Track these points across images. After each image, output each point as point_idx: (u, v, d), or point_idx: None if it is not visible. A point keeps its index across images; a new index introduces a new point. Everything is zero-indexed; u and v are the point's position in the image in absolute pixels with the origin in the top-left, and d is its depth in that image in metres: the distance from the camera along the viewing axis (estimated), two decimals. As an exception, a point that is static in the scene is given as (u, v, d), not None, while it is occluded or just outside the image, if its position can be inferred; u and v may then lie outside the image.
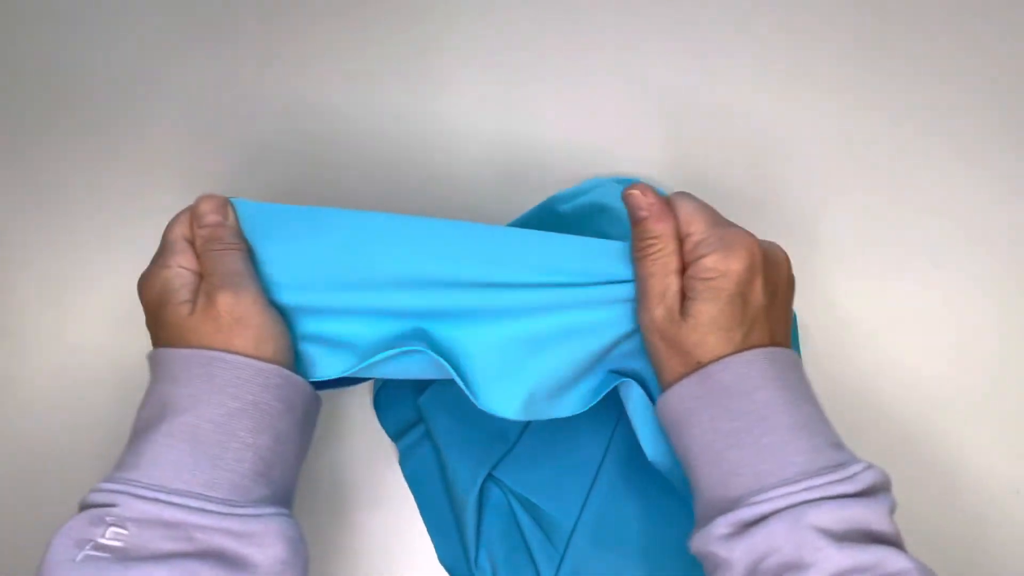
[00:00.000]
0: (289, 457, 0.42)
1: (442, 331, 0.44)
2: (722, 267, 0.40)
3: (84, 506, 0.39)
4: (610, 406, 0.48)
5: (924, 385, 0.56)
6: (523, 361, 0.44)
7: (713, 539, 0.38)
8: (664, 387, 0.42)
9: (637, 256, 0.43)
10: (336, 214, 0.44)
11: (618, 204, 0.47)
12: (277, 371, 0.41)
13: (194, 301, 0.41)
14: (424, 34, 0.61)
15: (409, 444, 0.57)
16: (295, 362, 0.44)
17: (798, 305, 0.47)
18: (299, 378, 0.42)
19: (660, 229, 0.42)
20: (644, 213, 0.42)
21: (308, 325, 0.44)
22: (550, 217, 0.55)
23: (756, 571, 0.37)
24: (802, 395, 0.40)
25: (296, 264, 0.43)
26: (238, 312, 0.41)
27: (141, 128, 0.61)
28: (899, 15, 0.60)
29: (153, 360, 0.42)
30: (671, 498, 0.52)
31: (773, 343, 0.41)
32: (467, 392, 0.44)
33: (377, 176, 0.60)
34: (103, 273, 0.59)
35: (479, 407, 0.44)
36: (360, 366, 0.44)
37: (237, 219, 0.44)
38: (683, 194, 0.44)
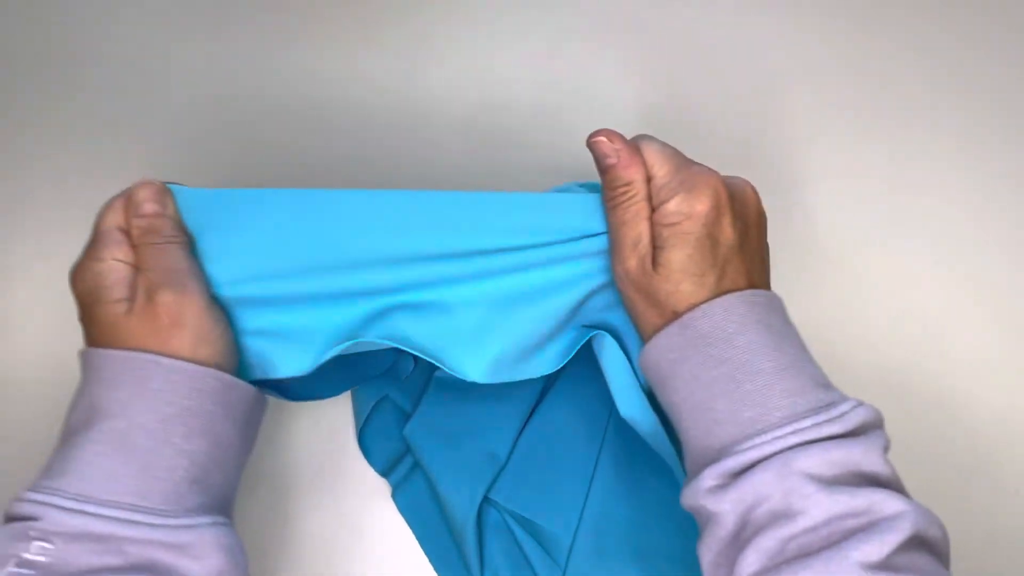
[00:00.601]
0: (228, 462, 0.40)
1: (404, 305, 0.43)
2: (686, 209, 0.39)
3: (8, 518, 0.37)
4: (598, 409, 0.47)
5: (922, 384, 0.56)
6: (491, 322, 0.42)
7: (701, 492, 0.37)
8: (644, 340, 0.41)
9: (609, 206, 0.41)
10: (281, 194, 0.41)
11: None
12: (214, 375, 0.39)
13: (131, 299, 0.39)
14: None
15: (400, 477, 0.57)
16: (240, 361, 0.42)
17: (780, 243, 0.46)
18: (239, 380, 0.40)
19: (630, 175, 0.40)
20: (612, 160, 0.41)
21: (256, 319, 0.42)
22: None
23: (746, 522, 0.36)
24: (784, 336, 0.39)
25: (242, 253, 0.41)
26: (177, 312, 0.39)
27: (144, 126, 0.61)
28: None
29: (85, 360, 0.40)
30: (667, 497, 0.51)
31: (750, 284, 0.40)
32: (432, 360, 0.42)
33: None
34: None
35: (448, 372, 0.42)
36: (315, 364, 0.42)
37: (176, 208, 0.41)
38: (645, 137, 0.42)
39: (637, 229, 0.40)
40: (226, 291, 0.42)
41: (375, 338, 0.42)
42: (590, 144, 0.42)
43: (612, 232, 0.41)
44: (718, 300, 0.38)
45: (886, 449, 0.37)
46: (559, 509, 0.52)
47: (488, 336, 0.42)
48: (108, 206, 0.41)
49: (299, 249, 0.41)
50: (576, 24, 0.61)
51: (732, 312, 0.38)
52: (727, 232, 0.40)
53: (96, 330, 0.40)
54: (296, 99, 0.61)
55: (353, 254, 0.41)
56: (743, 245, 0.40)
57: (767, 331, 0.38)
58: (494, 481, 0.53)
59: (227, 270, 0.41)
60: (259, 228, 0.41)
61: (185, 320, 0.39)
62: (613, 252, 0.41)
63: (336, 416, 0.57)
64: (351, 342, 0.42)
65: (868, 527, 0.34)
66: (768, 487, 0.35)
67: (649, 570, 0.51)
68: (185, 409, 0.38)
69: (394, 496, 0.56)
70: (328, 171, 0.59)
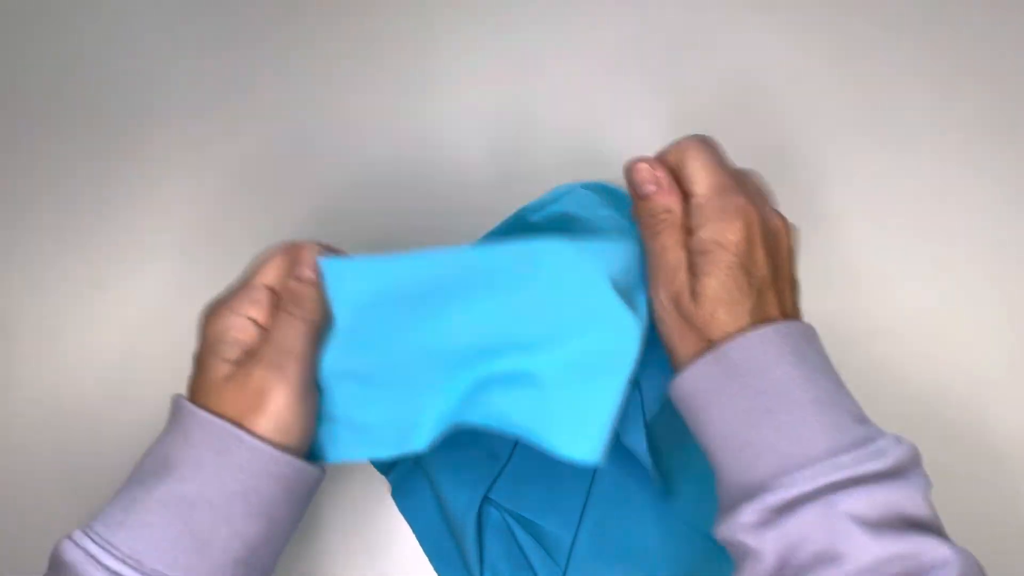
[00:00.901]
0: (277, 538, 0.40)
1: (498, 378, 0.41)
2: (719, 238, 0.39)
3: (56, 562, 0.37)
4: None
5: (922, 384, 0.56)
6: (588, 395, 0.40)
7: (740, 527, 0.36)
8: (677, 368, 0.40)
9: (647, 233, 0.41)
10: (414, 258, 0.40)
11: (586, 214, 0.47)
12: (288, 461, 0.39)
13: (239, 363, 0.40)
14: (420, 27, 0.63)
15: (400, 476, 0.57)
16: (322, 442, 0.43)
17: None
18: (309, 465, 0.41)
19: (670, 202, 0.41)
20: (652, 188, 0.41)
21: (349, 402, 0.43)
22: (521, 228, 0.53)
23: (788, 561, 0.35)
24: (820, 368, 0.38)
25: (365, 329, 0.41)
26: (265, 394, 0.39)
27: (146, 130, 0.62)
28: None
29: (175, 408, 0.40)
30: (666, 500, 0.51)
31: (784, 315, 0.40)
32: (538, 443, 0.40)
33: (377, 174, 0.61)
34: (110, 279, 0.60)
35: (560, 457, 0.40)
36: (405, 450, 0.42)
37: (322, 279, 0.41)
38: (691, 147, 0.41)
39: (677, 255, 0.40)
40: (332, 367, 0.42)
41: (475, 419, 0.41)
42: (628, 170, 0.42)
43: (652, 259, 0.41)
44: (754, 331, 0.38)
45: (928, 490, 0.37)
46: (560, 510, 0.52)
47: (591, 407, 0.40)
48: (268, 259, 0.42)
49: (411, 315, 0.41)
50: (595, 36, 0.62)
51: (768, 343, 0.38)
52: (759, 264, 0.39)
53: (199, 377, 0.41)
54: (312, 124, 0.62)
55: (454, 316, 0.41)
56: (776, 278, 0.40)
57: (803, 363, 0.38)
58: (494, 481, 0.53)
59: (341, 345, 0.42)
60: (387, 297, 0.41)
61: (269, 404, 0.39)
62: (653, 278, 0.41)
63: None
64: (447, 426, 0.42)
65: (915, 574, 0.34)
66: (812, 527, 0.35)
67: (648, 571, 0.51)
68: (251, 488, 0.38)
69: (394, 495, 0.56)
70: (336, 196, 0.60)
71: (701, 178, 0.40)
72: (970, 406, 0.56)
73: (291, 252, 0.42)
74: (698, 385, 0.39)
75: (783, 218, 0.42)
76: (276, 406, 0.39)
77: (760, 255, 0.39)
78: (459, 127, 0.61)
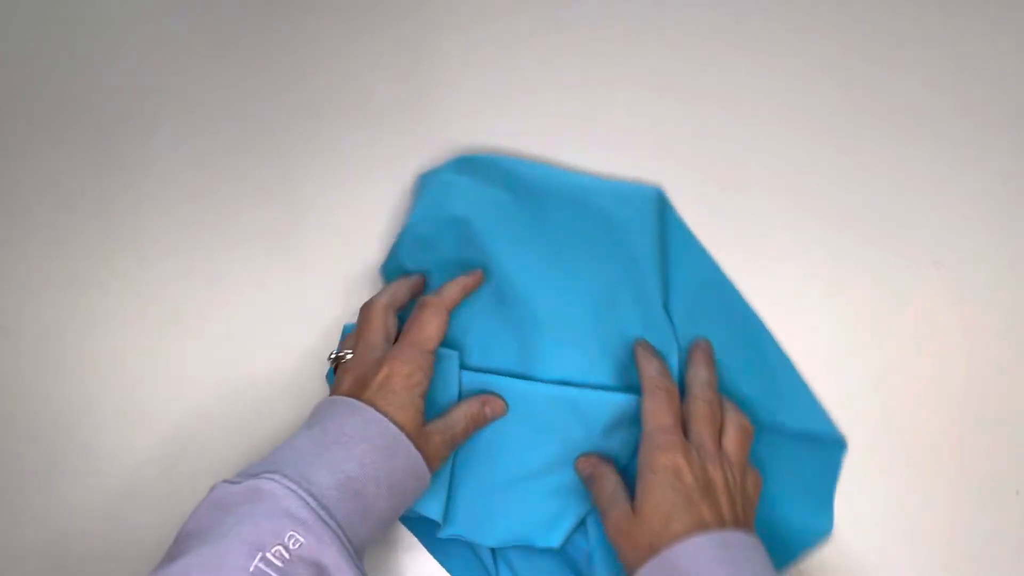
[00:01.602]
0: (388, 527, 0.50)
1: None
2: (651, 463, 0.48)
3: (254, 493, 0.43)
4: None
5: (921, 383, 0.56)
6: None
7: None
8: (627, 565, 0.47)
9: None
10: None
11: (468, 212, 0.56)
12: (426, 473, 0.50)
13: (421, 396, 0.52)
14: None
15: None
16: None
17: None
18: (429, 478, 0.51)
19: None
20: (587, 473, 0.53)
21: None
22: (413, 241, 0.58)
23: None
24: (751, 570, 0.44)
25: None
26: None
27: (147, 131, 0.61)
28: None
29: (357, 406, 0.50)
30: None
31: (727, 523, 0.46)
32: None
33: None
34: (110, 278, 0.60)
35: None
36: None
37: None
38: (660, 380, 0.52)
39: (611, 485, 0.50)
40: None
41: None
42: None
43: (594, 497, 0.51)
44: (690, 540, 0.44)
45: None
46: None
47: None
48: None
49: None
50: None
51: (703, 553, 0.44)
52: (687, 479, 0.47)
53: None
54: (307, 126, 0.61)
55: None
56: (707, 490, 0.47)
57: (735, 570, 0.44)
58: None
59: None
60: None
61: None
62: (600, 511, 0.50)
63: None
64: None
65: None
66: None
67: None
68: (398, 482, 0.48)
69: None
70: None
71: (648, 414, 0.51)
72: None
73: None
74: None
75: (710, 443, 0.50)
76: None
77: (687, 475, 0.47)
78: (461, 128, 0.60)
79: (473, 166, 0.58)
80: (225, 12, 0.62)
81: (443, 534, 0.53)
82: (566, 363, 0.54)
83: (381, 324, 0.52)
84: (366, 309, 0.53)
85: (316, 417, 0.49)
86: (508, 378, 0.54)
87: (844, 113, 0.59)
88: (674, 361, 0.55)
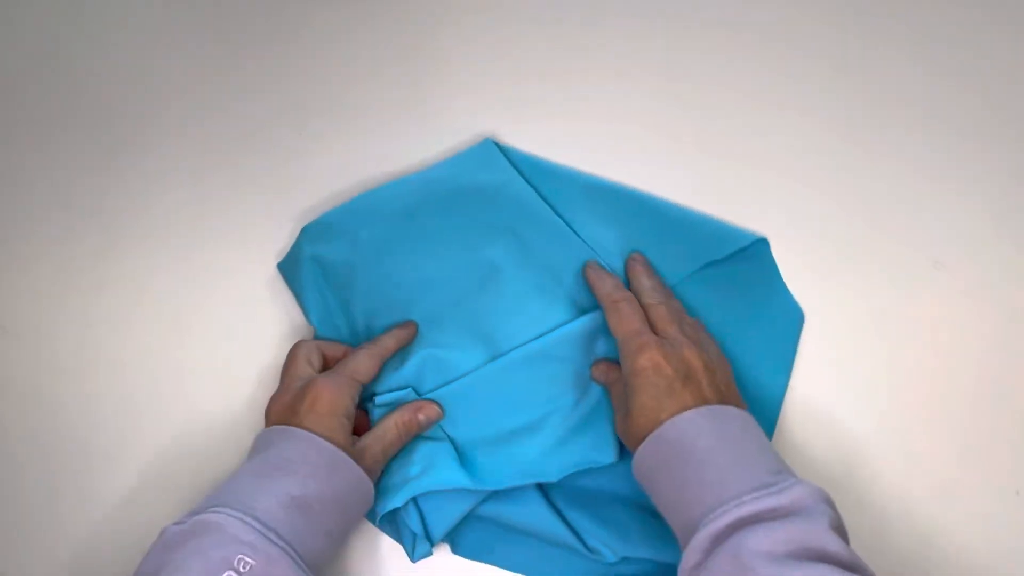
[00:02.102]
0: (343, 540, 0.52)
1: None
2: (631, 367, 0.51)
3: (201, 527, 0.45)
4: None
5: (922, 384, 0.56)
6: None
7: (686, 572, 0.44)
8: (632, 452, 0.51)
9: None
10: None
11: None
12: (370, 487, 0.52)
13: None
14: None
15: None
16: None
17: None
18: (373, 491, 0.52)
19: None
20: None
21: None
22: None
23: None
24: (741, 438, 0.48)
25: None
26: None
27: (147, 131, 0.61)
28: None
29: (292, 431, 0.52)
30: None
31: (707, 401, 0.49)
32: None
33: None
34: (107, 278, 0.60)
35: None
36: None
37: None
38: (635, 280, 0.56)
39: (620, 389, 0.53)
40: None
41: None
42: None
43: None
44: (677, 416, 0.48)
45: (837, 527, 0.43)
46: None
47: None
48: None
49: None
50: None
51: (692, 423, 0.48)
52: (667, 371, 0.50)
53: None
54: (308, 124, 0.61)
55: None
56: (688, 377, 0.50)
57: (723, 435, 0.47)
58: None
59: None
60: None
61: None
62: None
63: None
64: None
65: None
66: (728, 566, 0.42)
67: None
68: (343, 497, 0.50)
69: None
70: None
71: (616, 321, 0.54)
72: None
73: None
74: (645, 463, 0.49)
75: (691, 341, 0.52)
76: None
77: (665, 366, 0.50)
78: (462, 129, 0.60)
79: (334, 221, 0.58)
80: (225, 12, 0.62)
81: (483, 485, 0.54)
82: (524, 327, 0.56)
83: (305, 359, 0.55)
84: (293, 348, 0.56)
85: (255, 450, 0.51)
86: (478, 369, 0.56)
87: (844, 112, 0.59)
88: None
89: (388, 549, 0.56)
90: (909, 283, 0.57)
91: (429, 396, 0.56)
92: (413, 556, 0.54)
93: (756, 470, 0.45)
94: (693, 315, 0.56)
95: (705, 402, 0.49)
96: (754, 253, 0.57)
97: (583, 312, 0.56)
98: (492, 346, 0.57)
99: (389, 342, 0.56)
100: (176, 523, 0.46)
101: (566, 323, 0.56)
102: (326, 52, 0.61)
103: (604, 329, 0.55)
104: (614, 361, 0.55)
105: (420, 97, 0.61)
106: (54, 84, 0.62)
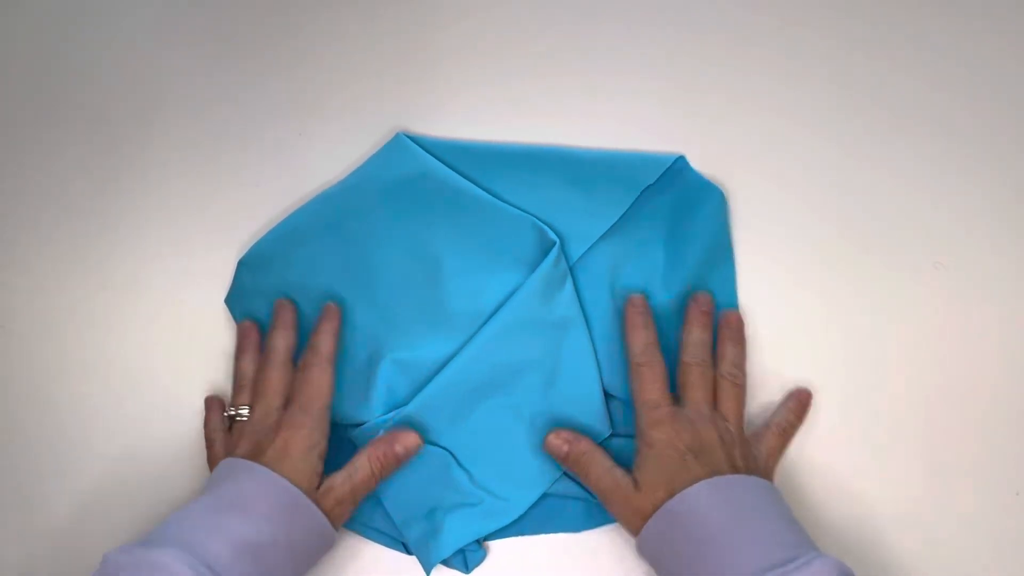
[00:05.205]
0: None
1: None
2: (645, 436, 0.51)
3: (145, 562, 0.44)
4: None
5: (922, 385, 0.56)
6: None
7: None
8: (634, 533, 0.50)
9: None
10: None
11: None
12: (331, 532, 0.51)
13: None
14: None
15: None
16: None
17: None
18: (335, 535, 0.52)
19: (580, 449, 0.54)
20: (565, 449, 0.54)
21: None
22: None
23: None
24: (756, 509, 0.47)
25: None
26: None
27: (149, 131, 0.61)
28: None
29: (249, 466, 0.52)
30: None
31: (724, 472, 0.48)
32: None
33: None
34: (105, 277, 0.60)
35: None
36: None
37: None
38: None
39: (603, 464, 0.52)
40: None
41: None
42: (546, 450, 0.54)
43: (585, 478, 0.53)
44: (688, 489, 0.47)
45: None
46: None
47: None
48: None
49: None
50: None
51: (701, 496, 0.46)
52: (679, 446, 0.49)
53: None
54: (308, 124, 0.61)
55: None
56: (701, 450, 0.49)
57: (735, 506, 0.46)
58: None
59: None
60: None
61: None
62: (598, 491, 0.52)
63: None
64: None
65: None
66: None
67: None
68: (298, 540, 0.49)
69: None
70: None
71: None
72: None
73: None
74: (652, 539, 0.48)
75: (705, 419, 0.51)
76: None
77: (679, 439, 0.49)
78: (460, 127, 0.60)
79: (266, 248, 0.58)
80: (224, 11, 0.62)
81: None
82: (482, 305, 0.56)
83: (280, 385, 0.54)
84: (266, 365, 0.55)
85: (214, 480, 0.51)
86: (447, 364, 0.55)
87: (845, 112, 0.58)
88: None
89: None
90: (909, 283, 0.57)
91: (407, 410, 0.55)
92: (467, 568, 0.55)
93: (770, 546, 0.44)
94: (642, 246, 0.56)
95: (718, 473, 0.48)
96: (676, 171, 0.57)
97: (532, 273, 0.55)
98: (455, 332, 0.56)
99: (328, 344, 0.55)
100: (122, 551, 0.44)
101: (519, 287, 0.55)
102: (327, 52, 0.61)
103: (559, 278, 0.55)
104: (578, 433, 0.54)
105: (420, 97, 0.60)
106: (53, 85, 0.62)
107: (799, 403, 0.55)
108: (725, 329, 0.55)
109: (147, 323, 0.59)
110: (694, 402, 0.51)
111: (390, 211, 0.57)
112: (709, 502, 0.46)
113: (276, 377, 0.54)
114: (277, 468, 0.49)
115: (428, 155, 0.57)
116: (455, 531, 0.54)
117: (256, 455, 0.50)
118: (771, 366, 0.56)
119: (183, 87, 0.61)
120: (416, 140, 0.57)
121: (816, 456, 0.55)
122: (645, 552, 0.49)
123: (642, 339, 0.53)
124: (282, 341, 0.55)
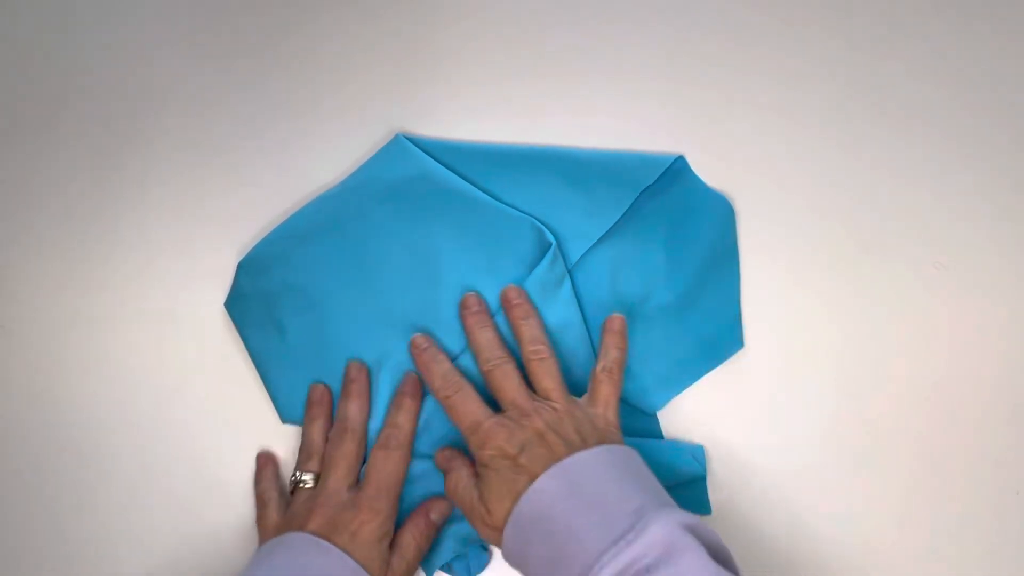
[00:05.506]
0: None
1: None
2: (477, 459, 0.50)
3: None
4: None
5: (922, 384, 0.56)
6: None
7: None
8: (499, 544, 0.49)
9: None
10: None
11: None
12: None
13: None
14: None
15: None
16: None
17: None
18: None
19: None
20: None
21: None
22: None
23: None
24: (598, 484, 0.46)
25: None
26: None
27: (149, 130, 0.61)
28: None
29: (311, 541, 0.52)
30: None
31: (562, 457, 0.47)
32: None
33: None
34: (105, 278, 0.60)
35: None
36: None
37: None
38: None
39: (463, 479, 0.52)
40: None
41: None
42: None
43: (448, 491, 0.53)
44: (528, 489, 0.46)
45: (712, 551, 0.42)
46: None
47: None
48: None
49: None
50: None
51: (542, 492, 0.46)
52: (511, 451, 0.48)
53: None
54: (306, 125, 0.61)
55: None
56: (527, 447, 0.48)
57: (576, 489, 0.46)
58: None
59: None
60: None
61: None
62: (460, 506, 0.52)
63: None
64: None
65: None
66: None
67: None
68: None
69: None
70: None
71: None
72: None
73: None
74: (514, 543, 0.47)
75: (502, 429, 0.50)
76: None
77: (502, 452, 0.49)
78: (460, 127, 0.60)
79: (264, 251, 0.58)
80: (224, 11, 0.62)
81: None
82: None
83: (355, 460, 0.54)
84: (342, 437, 0.54)
85: (276, 551, 0.50)
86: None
87: (845, 112, 0.58)
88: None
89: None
90: (909, 283, 0.57)
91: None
92: (470, 574, 0.55)
93: (611, 520, 0.43)
94: (643, 248, 0.56)
95: (556, 461, 0.47)
96: (677, 172, 0.57)
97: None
98: (455, 333, 0.56)
99: (408, 424, 0.55)
100: None
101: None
102: (327, 52, 0.61)
103: (557, 279, 0.55)
104: (459, 451, 0.54)
105: (420, 97, 0.60)
106: (53, 85, 0.62)
107: (614, 334, 0.54)
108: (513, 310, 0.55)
109: (147, 323, 0.59)
110: (508, 402, 0.51)
111: (389, 212, 0.57)
112: (552, 495, 0.46)
113: (352, 452, 0.54)
114: (351, 551, 0.49)
115: (427, 156, 0.57)
116: (457, 537, 0.54)
117: (330, 533, 0.50)
118: (771, 366, 0.56)
119: (183, 87, 0.61)
120: (415, 141, 0.57)
121: (815, 456, 0.55)
122: (513, 562, 0.48)
123: (439, 374, 0.53)
124: (358, 413, 0.55)
